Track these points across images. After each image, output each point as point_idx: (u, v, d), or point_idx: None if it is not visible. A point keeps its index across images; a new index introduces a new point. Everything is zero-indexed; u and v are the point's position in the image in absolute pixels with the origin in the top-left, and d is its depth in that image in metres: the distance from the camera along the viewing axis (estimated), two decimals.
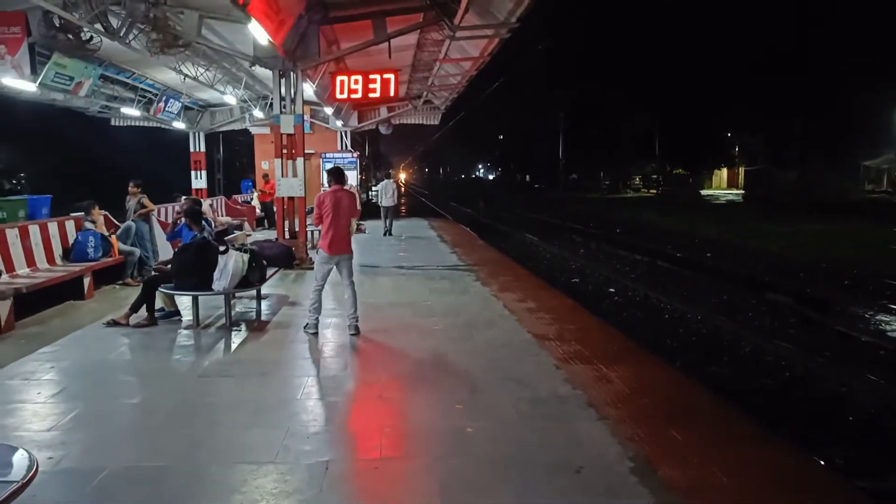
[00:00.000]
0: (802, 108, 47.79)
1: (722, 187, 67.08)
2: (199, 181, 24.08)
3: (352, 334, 7.28)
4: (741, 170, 64.69)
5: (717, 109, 56.67)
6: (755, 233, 23.19)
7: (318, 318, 7.37)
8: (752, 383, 7.46)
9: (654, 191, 63.83)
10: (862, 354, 8.37)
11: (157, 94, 18.54)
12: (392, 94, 13.29)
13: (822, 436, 5.97)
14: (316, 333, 7.30)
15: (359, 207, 18.58)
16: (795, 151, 52.13)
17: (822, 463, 4.69)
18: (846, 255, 17.01)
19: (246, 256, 7.60)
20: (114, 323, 7.53)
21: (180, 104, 20.16)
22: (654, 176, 67.70)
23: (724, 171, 69.12)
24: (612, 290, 13.17)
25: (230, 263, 7.36)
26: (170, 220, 13.24)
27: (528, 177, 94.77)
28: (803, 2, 51.77)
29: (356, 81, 13.01)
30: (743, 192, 56.67)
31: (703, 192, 60.63)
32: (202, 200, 12.46)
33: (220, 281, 7.35)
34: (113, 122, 21.86)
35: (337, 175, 7.52)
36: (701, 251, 18.58)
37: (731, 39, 54.76)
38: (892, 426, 6.19)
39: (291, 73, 12.08)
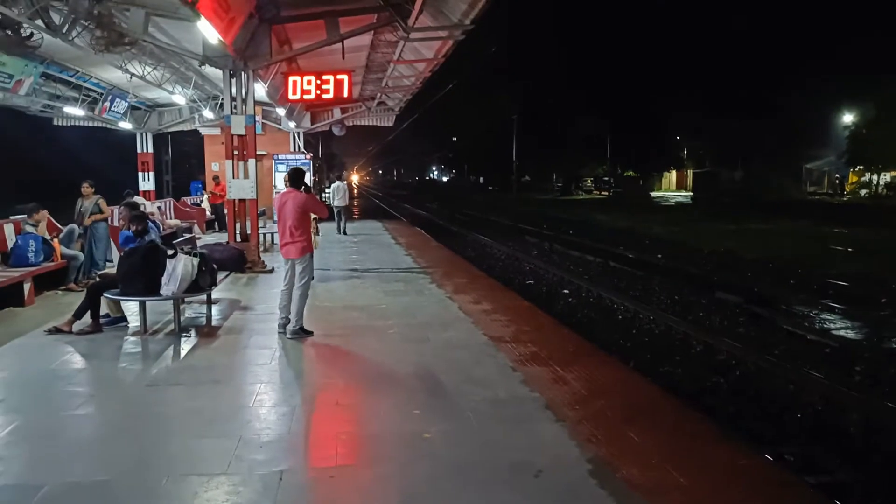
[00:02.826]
0: (748, 113, 49.18)
1: (671, 189, 68.57)
2: (146, 183, 23.45)
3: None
4: (689, 172, 66.26)
5: (666, 113, 57.97)
6: (704, 233, 23.70)
7: (285, 316, 7.31)
8: (705, 382, 7.58)
9: (606, 192, 64.82)
10: (808, 353, 8.58)
11: (102, 94, 17.95)
12: (346, 95, 13.12)
13: (773, 433, 6.10)
14: (282, 332, 7.26)
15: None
16: (741, 154, 53.66)
17: (771, 459, 4.78)
18: (790, 254, 17.51)
19: (196, 260, 7.39)
20: (56, 330, 7.23)
21: (127, 104, 19.57)
22: (606, 178, 68.77)
23: (674, 174, 70.73)
24: (565, 290, 13.27)
25: (179, 267, 7.16)
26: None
27: (481, 178, 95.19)
28: (749, 10, 53.35)
29: (309, 82, 12.79)
30: (691, 193, 57.97)
31: (653, 193, 61.85)
32: (138, 202, 12.00)
33: (169, 285, 7.13)
34: (55, 122, 21.12)
35: (291, 177, 7.40)
36: (652, 251, 18.89)
37: (681, 45, 56.05)
38: (836, 423, 6.35)
39: (242, 72, 11.84)
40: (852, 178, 50.09)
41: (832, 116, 49.92)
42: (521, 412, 4.98)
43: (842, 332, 9.81)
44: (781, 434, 6.11)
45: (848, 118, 48.47)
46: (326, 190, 25.51)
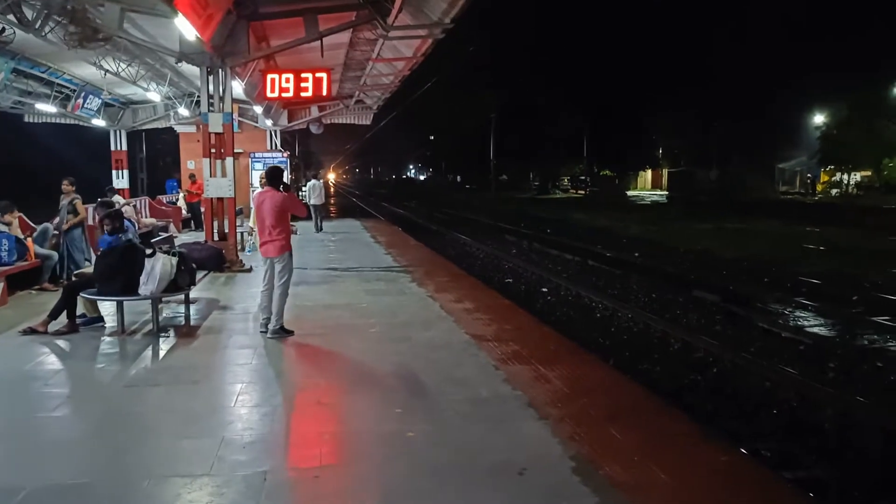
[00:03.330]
0: (722, 113, 49.79)
1: (647, 188, 69.16)
2: (120, 181, 23.12)
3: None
4: (665, 171, 66.86)
5: (642, 112, 58.48)
6: (680, 232, 23.95)
7: (267, 317, 7.27)
8: (683, 380, 7.67)
9: (583, 191, 65.21)
10: (783, 350, 8.72)
11: (74, 90, 17.68)
12: (325, 93, 13.06)
13: (750, 429, 6.19)
14: (264, 332, 7.21)
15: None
16: (715, 154, 54.29)
17: (747, 454, 4.85)
18: (764, 253, 17.76)
19: (174, 259, 7.32)
20: (31, 331, 7.11)
21: (100, 101, 19.28)
22: (582, 177, 69.17)
23: (649, 173, 71.33)
24: (545, 289, 13.33)
25: (157, 266, 7.08)
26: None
27: (459, 177, 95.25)
28: (724, 14, 54.12)
29: (287, 80, 12.71)
30: (667, 192, 58.50)
31: (630, 192, 62.33)
32: (114, 200, 11.84)
33: (147, 285, 7.05)
34: (27, 119, 20.75)
35: (268, 176, 7.37)
36: (629, 250, 19.05)
37: (657, 45, 56.59)
38: (811, 419, 6.46)
39: (220, 70, 11.73)
40: (823, 178, 50.90)
41: (804, 117, 50.68)
42: (504, 411, 5.00)
43: (815, 330, 9.96)
44: (758, 430, 6.20)
45: (819, 119, 49.23)
46: (303, 188, 25.53)
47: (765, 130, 49.28)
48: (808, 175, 52.96)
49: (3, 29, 10.64)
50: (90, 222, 11.77)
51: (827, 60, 44.42)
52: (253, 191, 20.06)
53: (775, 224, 26.46)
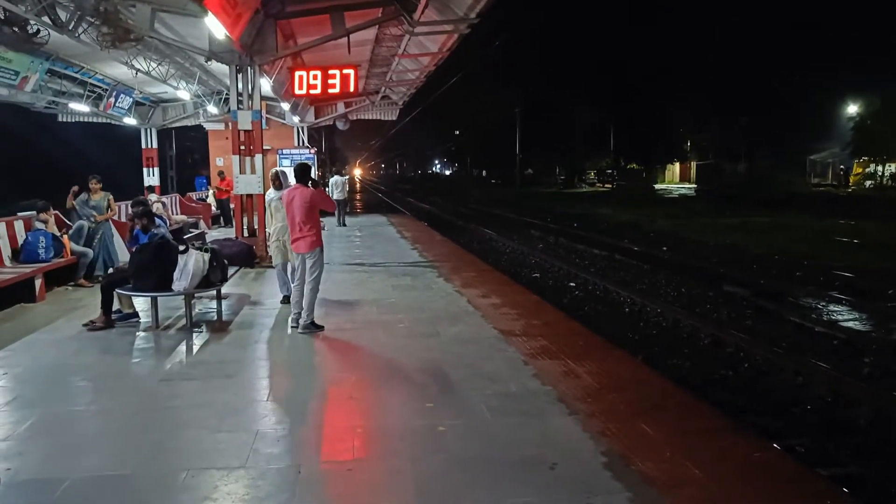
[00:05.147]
0: (751, 104, 49.01)
1: (675, 181, 68.39)
2: (151, 178, 23.48)
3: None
4: (693, 164, 66.08)
5: (668, 105, 57.82)
6: (709, 226, 23.68)
7: (297, 312, 7.37)
8: (714, 375, 7.60)
9: (609, 185, 64.68)
10: (816, 345, 8.60)
11: (107, 89, 17.99)
12: (352, 89, 13.10)
13: (783, 425, 6.12)
14: (296, 326, 7.32)
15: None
16: (744, 146, 53.50)
17: (781, 449, 4.80)
18: (796, 246, 17.49)
19: (206, 256, 7.42)
20: (91, 324, 7.34)
21: (131, 99, 19.60)
22: (609, 171, 68.61)
23: (677, 166, 70.50)
24: (572, 284, 13.28)
25: (190, 263, 7.19)
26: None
27: (484, 172, 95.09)
28: (751, 4, 53.25)
29: (315, 77, 12.77)
30: (695, 185, 57.79)
31: (657, 186, 61.69)
32: (147, 199, 11.98)
33: (181, 281, 7.17)
34: (60, 118, 21.14)
35: (297, 173, 7.43)
36: (657, 245, 18.90)
37: (683, 36, 55.89)
38: (846, 414, 6.37)
39: (248, 68, 11.85)
40: (857, 170, 49.81)
41: (836, 107, 49.65)
42: (534, 405, 5.01)
43: (850, 324, 9.80)
44: (791, 426, 6.13)
45: (853, 109, 48.17)
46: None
47: (795, 122, 48.41)
48: (841, 166, 51.84)
49: (38, 31, 10.85)
50: (121, 219, 11.98)
51: (860, 50, 43.56)
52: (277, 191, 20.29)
53: (807, 217, 26.03)
